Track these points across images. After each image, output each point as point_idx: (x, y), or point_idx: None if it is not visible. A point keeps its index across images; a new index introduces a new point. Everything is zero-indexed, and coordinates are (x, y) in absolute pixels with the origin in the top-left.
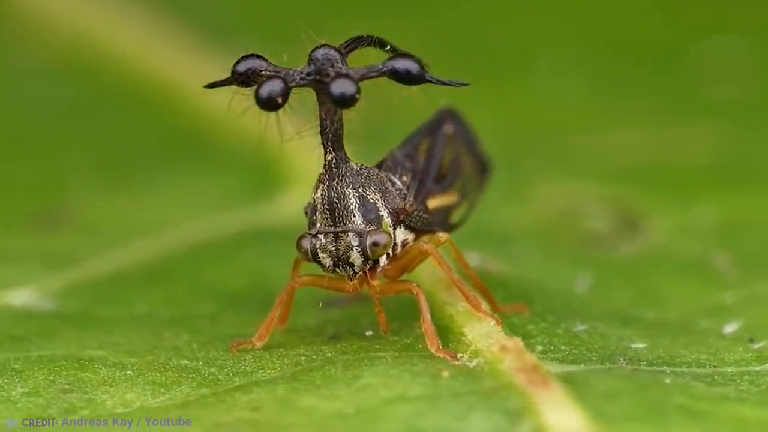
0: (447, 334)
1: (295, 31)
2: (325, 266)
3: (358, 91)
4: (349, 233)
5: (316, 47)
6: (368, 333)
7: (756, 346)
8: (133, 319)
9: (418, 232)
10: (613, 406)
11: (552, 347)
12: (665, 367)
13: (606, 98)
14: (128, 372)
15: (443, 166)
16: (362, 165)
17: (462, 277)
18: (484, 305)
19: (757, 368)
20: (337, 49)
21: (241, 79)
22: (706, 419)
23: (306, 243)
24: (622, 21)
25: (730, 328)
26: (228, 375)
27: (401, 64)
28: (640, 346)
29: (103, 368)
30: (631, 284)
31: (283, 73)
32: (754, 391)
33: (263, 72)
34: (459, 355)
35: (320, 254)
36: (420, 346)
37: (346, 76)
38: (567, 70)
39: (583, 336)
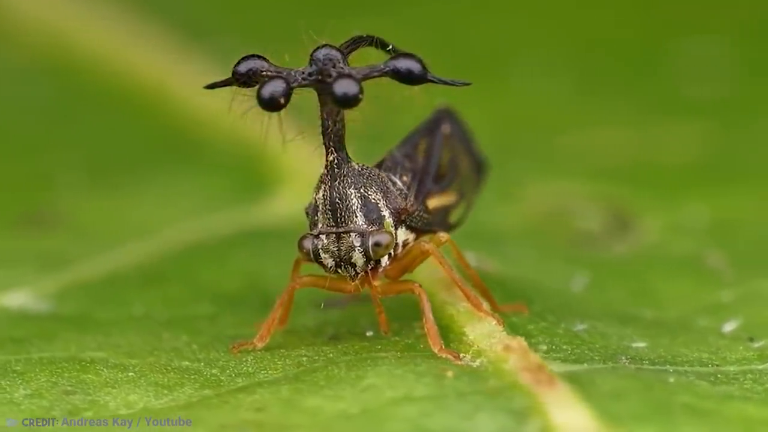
0: (448, 334)
1: (278, 30)
2: (327, 267)
3: (361, 91)
4: (351, 233)
5: (318, 47)
6: (369, 333)
7: (756, 344)
8: (131, 320)
9: (418, 232)
10: (619, 406)
11: (554, 347)
12: (668, 366)
13: (589, 98)
14: (130, 373)
15: (442, 166)
16: (363, 165)
17: (462, 277)
18: (485, 305)
19: (760, 367)
20: (338, 50)
21: (242, 79)
22: (713, 418)
23: (308, 243)
24: (602, 21)
25: (729, 327)
26: (230, 376)
27: (403, 63)
28: (641, 345)
29: (104, 370)
30: (626, 283)
31: (285, 73)
32: (758, 389)
33: (264, 72)
34: (462, 355)
35: (322, 255)
36: (422, 346)
37: (349, 76)
38: (549, 70)
39: (584, 335)
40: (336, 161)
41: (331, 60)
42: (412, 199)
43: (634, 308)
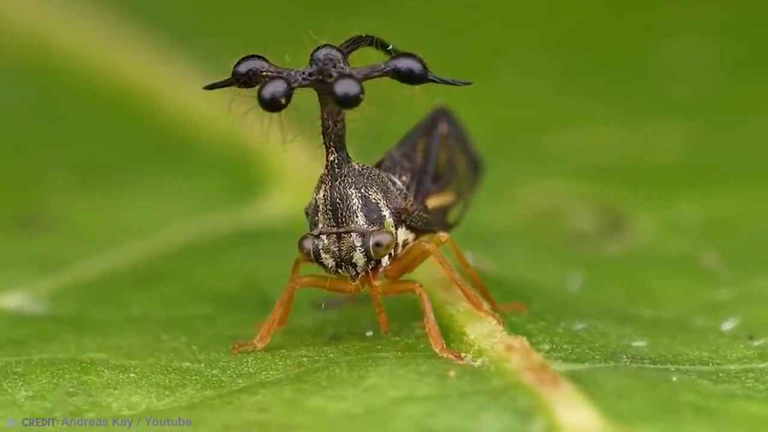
0: (448, 333)
1: (260, 31)
2: (328, 267)
3: (362, 91)
4: (352, 234)
5: (318, 47)
6: (368, 333)
7: (756, 343)
8: (129, 321)
9: (418, 232)
10: (624, 405)
11: (555, 346)
12: (669, 365)
13: (574, 98)
14: (131, 374)
15: (439, 166)
16: (364, 165)
17: (462, 277)
18: (486, 305)
19: (761, 365)
20: (338, 50)
21: (242, 80)
22: (717, 417)
23: (308, 243)
24: (588, 21)
25: (727, 326)
26: (231, 377)
27: (404, 63)
28: (641, 344)
29: (105, 371)
30: (622, 283)
31: (285, 73)
32: (760, 388)
33: (264, 72)
34: (463, 355)
35: (323, 255)
36: (422, 346)
37: (350, 76)
38: (536, 70)
39: (584, 335)
40: (337, 161)
41: (331, 60)
42: (411, 199)
43: (631, 307)
